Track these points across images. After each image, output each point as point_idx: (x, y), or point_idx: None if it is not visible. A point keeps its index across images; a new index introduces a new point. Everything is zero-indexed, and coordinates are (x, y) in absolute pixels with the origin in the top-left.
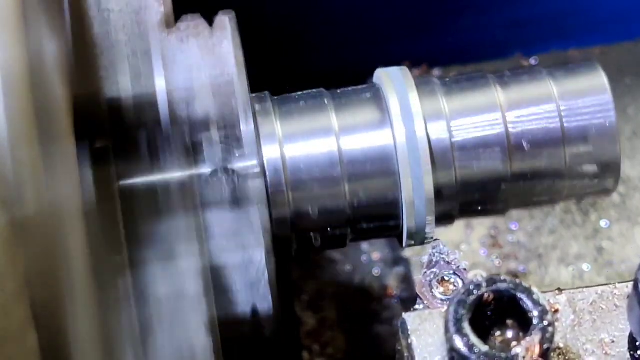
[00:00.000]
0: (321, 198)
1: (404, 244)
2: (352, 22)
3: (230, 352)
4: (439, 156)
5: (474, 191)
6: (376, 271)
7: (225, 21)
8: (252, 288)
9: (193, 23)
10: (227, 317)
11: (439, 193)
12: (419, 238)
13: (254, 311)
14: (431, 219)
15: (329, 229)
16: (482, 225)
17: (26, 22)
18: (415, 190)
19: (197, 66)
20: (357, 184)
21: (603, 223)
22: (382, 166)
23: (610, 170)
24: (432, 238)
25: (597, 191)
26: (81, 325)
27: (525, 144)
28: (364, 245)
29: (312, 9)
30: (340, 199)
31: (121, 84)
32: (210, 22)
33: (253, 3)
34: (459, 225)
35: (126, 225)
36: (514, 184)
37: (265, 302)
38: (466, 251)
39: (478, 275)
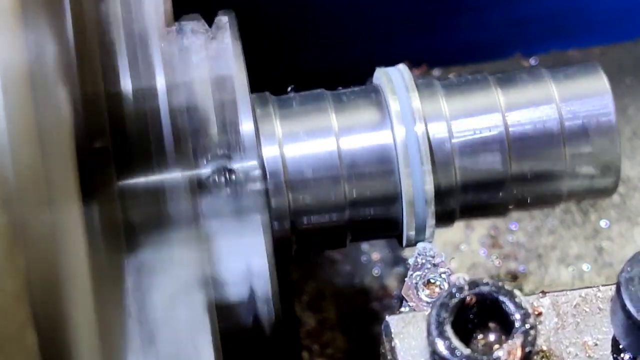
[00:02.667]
0: (321, 198)
1: (403, 244)
2: (352, 22)
3: (230, 352)
4: (439, 157)
5: (474, 192)
6: (376, 271)
7: (225, 21)
8: (253, 289)
9: (193, 23)
10: (228, 317)
11: (439, 193)
12: (419, 238)
13: (255, 312)
14: (431, 219)
15: (329, 229)
16: (482, 226)
17: (26, 22)
18: (415, 191)
19: (197, 66)
20: (357, 184)
21: (603, 223)
22: (382, 166)
23: (610, 170)
24: (431, 239)
25: (597, 192)
26: (81, 325)
27: (525, 145)
28: (364, 245)
29: (311, 9)
30: (340, 199)
31: (121, 84)
32: (210, 22)
33: (253, 3)
34: (459, 225)
35: (126, 225)
36: (514, 185)
37: (266, 304)
38: (466, 251)
39: (460, 278)
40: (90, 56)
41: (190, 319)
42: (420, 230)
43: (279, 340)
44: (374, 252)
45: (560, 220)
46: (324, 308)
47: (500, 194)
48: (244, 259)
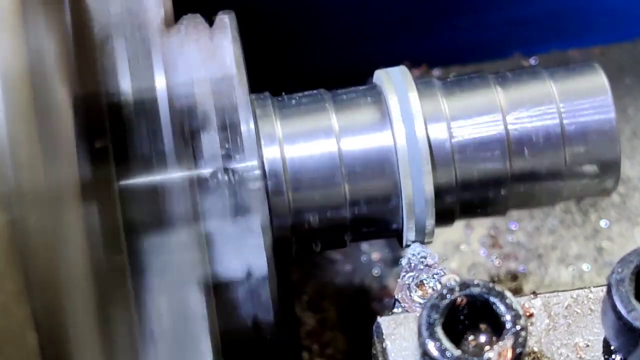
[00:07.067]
0: (321, 199)
1: (403, 244)
2: (352, 22)
3: (230, 353)
4: (439, 157)
5: (474, 191)
6: (376, 271)
7: (225, 21)
8: (253, 291)
9: (193, 23)
10: (227, 318)
11: (439, 193)
12: (419, 238)
13: (255, 313)
14: (431, 219)
15: (329, 229)
16: (482, 225)
17: (26, 22)
18: (415, 191)
19: (197, 66)
20: (357, 185)
21: (603, 223)
22: (382, 167)
23: (610, 170)
24: (431, 239)
25: (597, 191)
26: (81, 325)
27: (525, 145)
28: (364, 245)
29: (311, 9)
30: (340, 199)
31: (121, 85)
32: (210, 22)
33: (253, 3)
34: (459, 225)
35: (126, 225)
36: (514, 185)
37: (265, 305)
38: (466, 251)
39: (451, 279)
40: (90, 56)
41: (190, 319)
42: (420, 230)
43: (279, 340)
44: (374, 252)
45: (560, 220)
46: (324, 308)
47: (500, 193)
48: (244, 259)
